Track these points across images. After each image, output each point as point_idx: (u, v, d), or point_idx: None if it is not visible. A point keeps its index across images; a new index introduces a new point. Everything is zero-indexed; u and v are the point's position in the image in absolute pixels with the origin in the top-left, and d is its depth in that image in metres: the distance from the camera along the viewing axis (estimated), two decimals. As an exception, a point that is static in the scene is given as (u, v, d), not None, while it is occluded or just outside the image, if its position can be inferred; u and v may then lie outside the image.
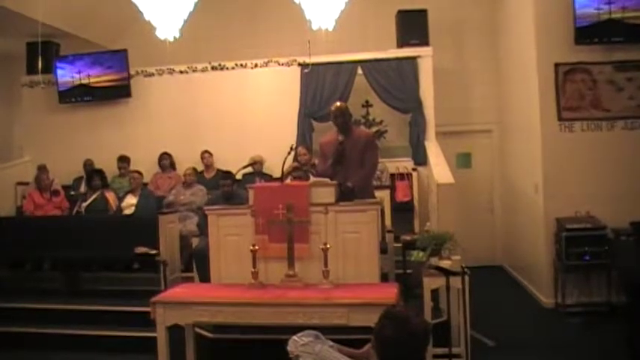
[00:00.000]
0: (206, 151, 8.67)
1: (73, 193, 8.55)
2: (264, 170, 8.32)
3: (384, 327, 2.53)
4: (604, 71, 7.03)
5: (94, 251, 6.86)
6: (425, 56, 8.44)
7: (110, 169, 8.69)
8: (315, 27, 6.26)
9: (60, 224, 7.36)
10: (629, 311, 5.40)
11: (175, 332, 4.70)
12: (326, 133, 6.26)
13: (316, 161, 6.29)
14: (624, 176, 6.89)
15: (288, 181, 6.21)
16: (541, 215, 7.11)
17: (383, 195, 6.76)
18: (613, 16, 6.83)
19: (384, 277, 5.60)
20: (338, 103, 5.87)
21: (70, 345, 5.96)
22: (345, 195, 5.10)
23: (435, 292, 5.38)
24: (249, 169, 7.67)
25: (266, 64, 8.93)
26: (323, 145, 5.79)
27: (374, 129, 8.48)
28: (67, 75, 9.15)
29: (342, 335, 3.58)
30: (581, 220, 6.72)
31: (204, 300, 4.56)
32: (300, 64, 8.67)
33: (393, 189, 8.02)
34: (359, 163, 5.52)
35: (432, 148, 8.01)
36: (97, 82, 9.13)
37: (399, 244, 6.34)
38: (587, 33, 6.87)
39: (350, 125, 5.72)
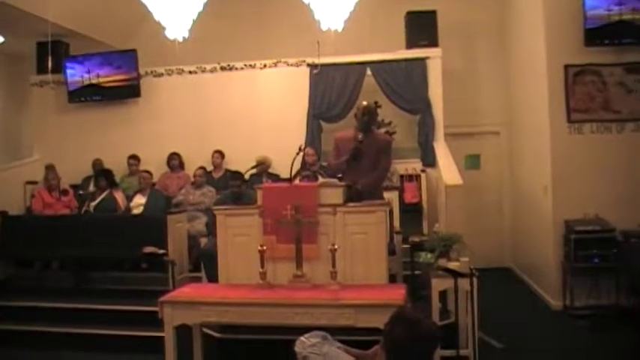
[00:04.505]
0: (217, 151, 8.67)
1: (81, 192, 8.57)
2: (272, 170, 8.32)
3: (395, 329, 2.53)
4: (614, 73, 6.98)
5: (103, 250, 6.90)
6: (434, 57, 8.42)
7: (119, 168, 8.72)
8: (324, 28, 6.24)
9: (69, 223, 7.39)
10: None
11: (183, 332, 4.71)
12: (341, 130, 6.24)
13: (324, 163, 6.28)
14: (634, 178, 6.85)
15: (296, 181, 6.21)
16: (550, 217, 7.07)
17: (391, 196, 6.75)
18: (624, 17, 6.78)
19: (392, 279, 5.56)
20: (365, 102, 5.87)
21: (78, 344, 5.98)
22: (353, 197, 5.09)
23: (443, 294, 5.38)
24: (256, 170, 7.68)
25: (275, 64, 8.92)
26: (339, 139, 5.76)
27: (383, 130, 8.46)
28: (76, 75, 9.18)
29: (349, 336, 3.59)
30: (590, 223, 6.68)
31: (211, 300, 4.57)
32: (309, 65, 8.66)
33: (401, 190, 8.01)
34: (371, 166, 5.50)
35: (441, 150, 7.99)
36: (107, 82, 9.15)
37: (408, 246, 6.34)
38: (598, 34, 6.83)
39: (371, 127, 5.70)
